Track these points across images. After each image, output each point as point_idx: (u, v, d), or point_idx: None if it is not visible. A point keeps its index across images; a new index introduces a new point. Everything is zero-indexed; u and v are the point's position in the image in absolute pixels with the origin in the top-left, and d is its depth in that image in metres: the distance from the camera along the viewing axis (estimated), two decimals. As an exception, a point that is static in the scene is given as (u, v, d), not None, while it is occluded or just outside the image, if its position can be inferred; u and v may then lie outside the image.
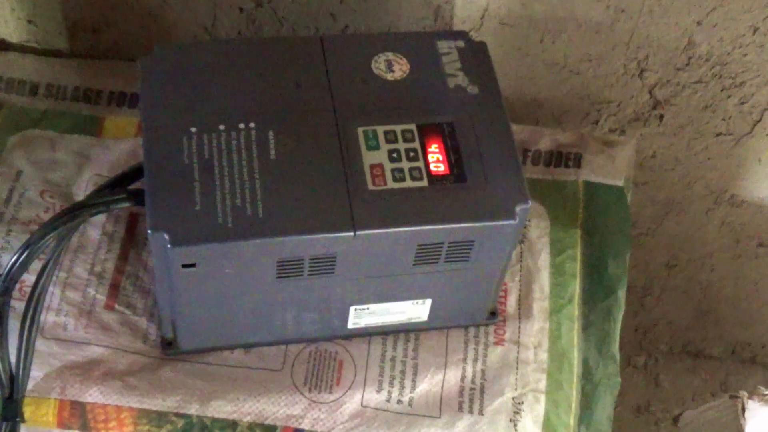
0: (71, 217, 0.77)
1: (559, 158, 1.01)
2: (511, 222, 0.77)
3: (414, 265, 0.79)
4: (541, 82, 1.05)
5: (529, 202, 0.78)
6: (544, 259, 0.95)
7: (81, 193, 0.93)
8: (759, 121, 1.07)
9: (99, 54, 1.05)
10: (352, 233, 0.74)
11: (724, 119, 1.08)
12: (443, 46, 0.86)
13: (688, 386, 1.41)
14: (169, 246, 0.72)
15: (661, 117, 1.09)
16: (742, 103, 1.06)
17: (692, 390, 1.41)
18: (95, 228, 0.91)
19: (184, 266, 0.74)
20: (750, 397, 0.93)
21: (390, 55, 0.84)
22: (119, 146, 0.96)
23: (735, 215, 1.20)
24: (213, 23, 1.01)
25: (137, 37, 1.02)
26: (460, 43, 0.86)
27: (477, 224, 0.77)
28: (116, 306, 0.88)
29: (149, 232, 0.72)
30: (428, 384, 0.87)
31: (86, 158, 0.95)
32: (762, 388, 0.93)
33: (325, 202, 0.75)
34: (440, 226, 0.76)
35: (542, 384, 0.88)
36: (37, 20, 1.02)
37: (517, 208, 0.77)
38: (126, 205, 0.79)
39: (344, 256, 0.76)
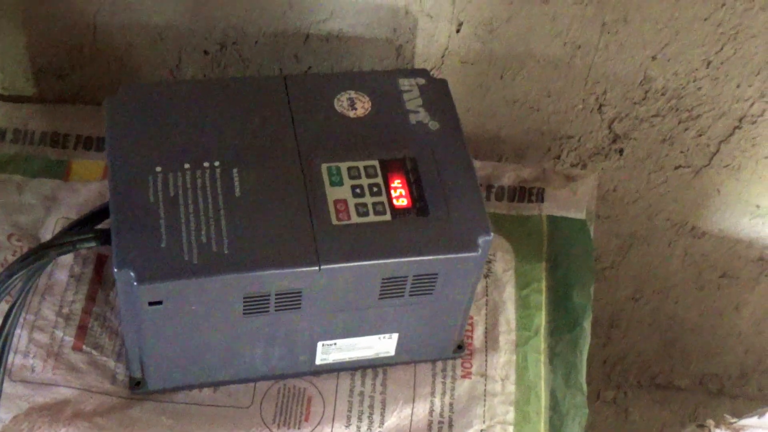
0: (38, 257, 0.77)
1: (522, 193, 1.01)
2: (474, 254, 0.78)
3: (379, 298, 0.80)
4: (502, 118, 1.06)
5: (491, 234, 0.78)
6: (509, 293, 0.95)
7: (48, 235, 0.92)
8: (716, 152, 1.09)
9: (65, 98, 1.05)
10: (317, 267, 0.75)
11: (682, 152, 1.09)
12: (404, 83, 0.87)
13: (658, 418, 1.41)
14: (135, 283, 0.72)
15: (621, 151, 1.10)
16: (699, 135, 1.07)
17: (662, 422, 1.41)
18: (63, 270, 0.91)
19: (151, 303, 0.74)
20: (717, 426, 0.93)
21: (352, 93, 0.85)
22: (86, 189, 0.96)
23: (697, 246, 1.21)
24: (178, 65, 1.01)
25: (103, 81, 1.02)
26: (421, 81, 0.87)
27: (440, 257, 0.77)
28: (84, 347, 0.87)
29: (115, 270, 0.72)
30: (397, 418, 0.86)
31: (54, 201, 0.95)
32: (728, 417, 0.93)
33: (289, 238, 0.75)
34: (404, 259, 0.77)
35: (510, 416, 0.88)
36: (3, 66, 1.03)
37: (480, 240, 0.78)
38: (93, 244, 0.79)
39: (310, 290, 0.77)
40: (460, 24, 0.97)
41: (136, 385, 0.84)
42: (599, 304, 0.96)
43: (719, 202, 1.15)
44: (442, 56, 1.00)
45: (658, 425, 1.40)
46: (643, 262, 1.24)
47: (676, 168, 1.11)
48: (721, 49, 0.98)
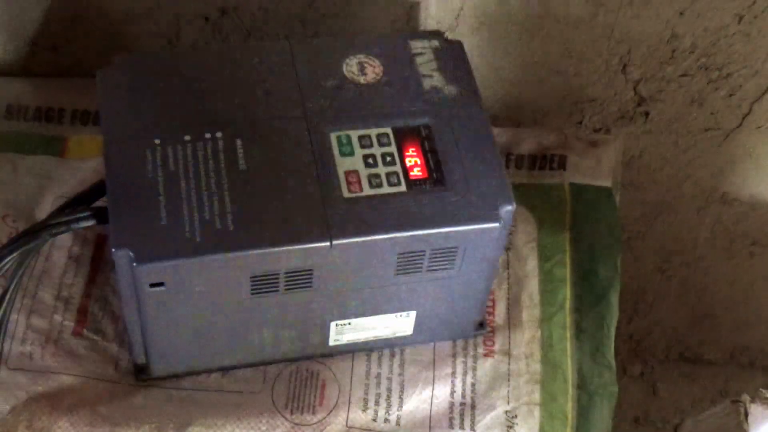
0: (32, 238, 0.75)
1: (543, 161, 1.00)
2: (496, 225, 0.75)
3: (395, 275, 0.77)
4: (520, 82, 1.04)
5: (513, 203, 0.76)
6: (532, 266, 0.93)
7: (45, 215, 0.89)
8: (748, 113, 1.07)
9: (60, 72, 1.03)
10: (328, 243, 0.72)
11: (712, 113, 1.07)
12: (417, 46, 0.84)
13: (687, 394, 1.41)
14: (134, 264, 0.70)
15: (647, 114, 1.08)
16: (730, 96, 1.05)
17: (691, 398, 1.41)
18: (61, 251, 0.89)
19: (152, 285, 0.72)
20: (752, 401, 0.91)
21: (362, 58, 0.83)
22: (84, 166, 0.94)
23: (727, 214, 1.19)
24: (177, 35, 0.99)
25: (99, 53, 1.00)
26: (435, 43, 0.85)
27: (460, 228, 0.75)
28: (84, 332, 0.85)
29: (113, 250, 0.70)
30: (416, 401, 0.85)
31: (50, 179, 0.93)
32: (764, 392, 0.92)
33: (298, 212, 0.73)
34: (421, 232, 0.74)
35: (536, 396, 0.86)
36: (-5, 40, 1.01)
37: (501, 210, 0.76)
38: (90, 223, 0.76)
39: (321, 268, 0.74)
40: (476, -18, 0.95)
41: (140, 371, 0.83)
42: (624, 276, 0.96)
43: (751, 167, 1.13)
44: (457, 17, 0.98)
45: (688, 400, 1.41)
46: (671, 232, 1.23)
47: (706, 131, 1.09)
48: (754, 2, 0.95)
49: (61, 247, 0.89)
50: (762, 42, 0.99)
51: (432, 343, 0.87)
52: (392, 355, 0.87)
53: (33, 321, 0.85)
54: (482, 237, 0.76)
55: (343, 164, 0.76)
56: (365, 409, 0.84)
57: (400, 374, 0.86)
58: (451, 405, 0.85)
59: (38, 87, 1.01)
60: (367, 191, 0.75)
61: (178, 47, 1.00)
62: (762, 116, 1.07)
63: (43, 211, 0.91)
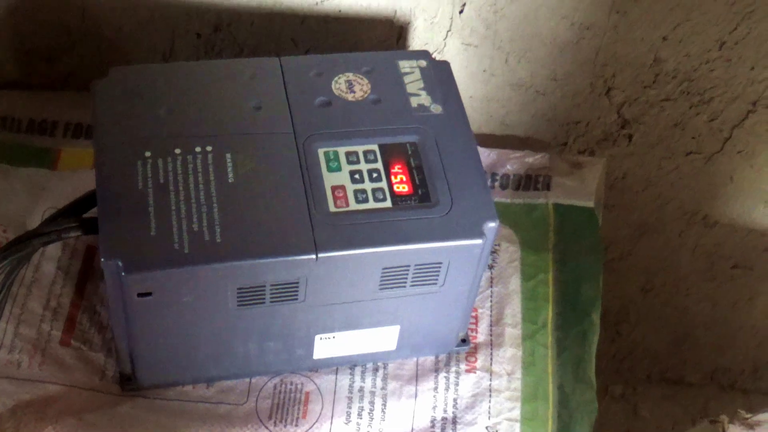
0: (21, 247, 0.75)
1: (527, 181, 1.00)
2: (479, 241, 0.76)
3: (380, 289, 0.78)
4: (507, 103, 1.04)
5: (497, 219, 0.76)
6: (515, 284, 0.93)
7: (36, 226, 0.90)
8: (729, 137, 1.07)
9: (54, 84, 1.03)
10: (314, 256, 0.73)
11: (694, 137, 1.07)
12: (405, 65, 0.85)
13: (668, 415, 1.40)
14: (123, 273, 0.70)
15: (630, 136, 1.08)
16: (712, 120, 1.05)
17: (672, 419, 1.40)
18: (50, 262, 0.89)
19: (140, 295, 0.72)
20: (731, 421, 0.91)
21: (350, 76, 0.83)
22: (76, 178, 0.94)
23: (709, 236, 1.20)
24: (171, 49, 0.99)
25: (93, 67, 1.00)
26: (423, 63, 0.86)
27: (444, 244, 0.75)
28: (72, 342, 0.85)
29: (102, 260, 0.70)
30: (399, 415, 0.85)
31: (42, 191, 0.93)
32: (742, 412, 0.91)
33: (285, 225, 0.74)
34: (405, 247, 0.75)
35: (516, 412, 0.86)
36: (-11, 51, 1.01)
37: (485, 227, 0.76)
38: (79, 233, 0.77)
39: (307, 281, 0.75)
40: (463, 4, 0.95)
41: (126, 381, 0.83)
42: (607, 297, 0.95)
43: (732, 190, 1.13)
44: (445, 38, 0.98)
45: (669, 421, 1.40)
46: (653, 253, 1.23)
47: (688, 154, 1.10)
48: (735, 28, 0.96)
49: (50, 258, 0.89)
50: (743, 68, 1.00)
51: (415, 358, 0.87)
52: (375, 369, 0.87)
53: (21, 330, 0.85)
54: (466, 253, 0.77)
55: (330, 179, 0.76)
56: (348, 422, 0.83)
57: (383, 388, 0.86)
58: (433, 420, 0.85)
59: (31, 99, 1.01)
60: (354, 206, 0.75)
61: (172, 62, 1.00)
62: (742, 140, 1.07)
63: (34, 222, 0.90)
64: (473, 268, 0.79)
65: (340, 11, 0.96)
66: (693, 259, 1.23)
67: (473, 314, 0.90)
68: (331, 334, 0.82)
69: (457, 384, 0.87)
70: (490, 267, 0.94)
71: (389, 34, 0.98)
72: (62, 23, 0.98)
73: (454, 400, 0.86)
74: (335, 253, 0.73)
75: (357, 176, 0.77)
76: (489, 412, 0.85)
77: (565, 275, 0.95)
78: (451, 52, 0.99)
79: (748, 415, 0.91)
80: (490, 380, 0.87)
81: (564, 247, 0.96)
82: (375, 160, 0.78)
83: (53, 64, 1.02)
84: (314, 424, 0.83)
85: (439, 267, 0.77)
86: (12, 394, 0.81)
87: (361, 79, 0.83)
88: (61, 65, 1.02)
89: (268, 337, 0.80)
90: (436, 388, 0.86)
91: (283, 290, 0.75)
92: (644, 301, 1.30)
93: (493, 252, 0.95)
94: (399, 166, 0.78)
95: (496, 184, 1.00)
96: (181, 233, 0.72)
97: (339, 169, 0.77)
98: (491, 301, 0.92)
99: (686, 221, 1.18)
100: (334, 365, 0.86)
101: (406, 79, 0.84)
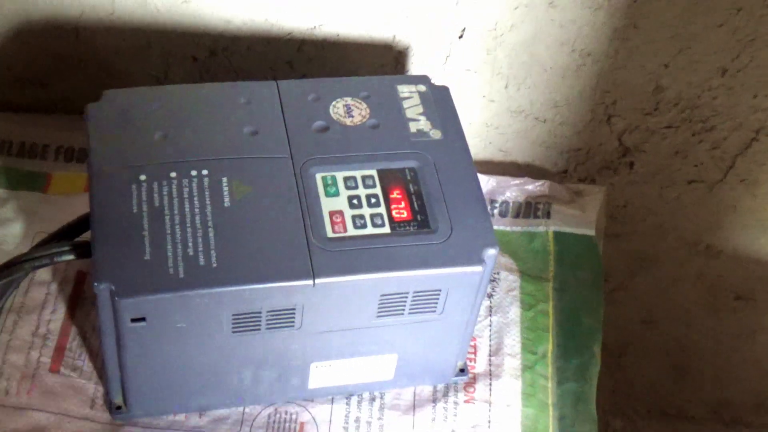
0: (12, 271, 0.75)
1: (527, 209, 1.00)
2: (479, 268, 0.75)
3: (378, 316, 0.76)
4: (506, 129, 1.04)
5: (497, 246, 0.75)
6: (514, 314, 0.92)
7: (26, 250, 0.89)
8: (732, 166, 1.07)
9: (47, 108, 1.03)
10: (311, 282, 0.71)
11: (696, 165, 1.07)
12: (404, 90, 0.84)
13: None
14: (116, 298, 0.69)
15: (632, 164, 1.07)
16: (714, 148, 1.05)
17: None
18: (40, 288, 0.88)
19: (133, 320, 0.71)
20: None
21: (349, 100, 0.83)
22: (67, 202, 0.93)
23: (711, 267, 1.19)
24: (166, 74, 0.99)
25: (87, 91, 0.98)
26: (422, 88, 0.85)
27: (443, 271, 0.74)
28: (62, 369, 0.84)
29: (95, 284, 0.69)
30: None
31: (32, 215, 0.93)
32: None
33: (282, 251, 0.72)
34: (404, 274, 0.74)
35: None
36: (-19, 73, 1.01)
37: (485, 254, 0.75)
38: (71, 257, 0.76)
39: (303, 307, 0.73)
40: (463, 30, 0.95)
41: (116, 410, 0.81)
42: (607, 328, 0.95)
43: (735, 220, 1.13)
44: (444, 64, 0.98)
45: None
46: (654, 284, 1.22)
47: (690, 183, 1.09)
48: (737, 56, 0.96)
49: (40, 283, 0.88)
50: (745, 95, 0.99)
51: (413, 388, 0.86)
52: (372, 399, 0.85)
53: (10, 357, 0.84)
54: (465, 280, 0.76)
55: (328, 204, 0.75)
56: (344, 453, 0.82)
57: (380, 418, 0.84)
58: (431, 451, 0.83)
59: (23, 123, 1.00)
60: (352, 232, 0.74)
61: (167, 85, 1.00)
62: (745, 169, 1.07)
63: (24, 246, 0.89)
64: (473, 295, 0.78)
65: (338, 35, 0.96)
66: (695, 290, 1.22)
67: (472, 344, 0.89)
68: (327, 362, 0.80)
69: (455, 415, 0.86)
70: (489, 296, 0.93)
71: (388, 58, 0.98)
72: (56, 49, 0.98)
73: (452, 431, 0.84)
74: (333, 279, 0.72)
75: (355, 201, 0.76)
76: (488, 444, 0.84)
77: (565, 305, 0.94)
78: (451, 77, 0.99)
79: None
80: (489, 411, 0.86)
81: (564, 276, 0.96)
82: (373, 186, 0.77)
83: (47, 88, 1.02)
84: (309, 455, 0.82)
85: (438, 294, 0.76)
86: (0, 423, 0.80)
87: (360, 103, 0.82)
88: (54, 90, 1.02)
89: (263, 365, 0.79)
90: (434, 419, 0.85)
91: (280, 317, 0.74)
92: (644, 333, 1.30)
93: (492, 281, 0.94)
94: (398, 192, 0.77)
95: (496, 211, 0.99)
96: (176, 258, 0.71)
97: (337, 194, 0.76)
98: (490, 331, 0.91)
99: (688, 251, 1.17)
100: (329, 395, 0.85)
101: (405, 104, 0.83)
